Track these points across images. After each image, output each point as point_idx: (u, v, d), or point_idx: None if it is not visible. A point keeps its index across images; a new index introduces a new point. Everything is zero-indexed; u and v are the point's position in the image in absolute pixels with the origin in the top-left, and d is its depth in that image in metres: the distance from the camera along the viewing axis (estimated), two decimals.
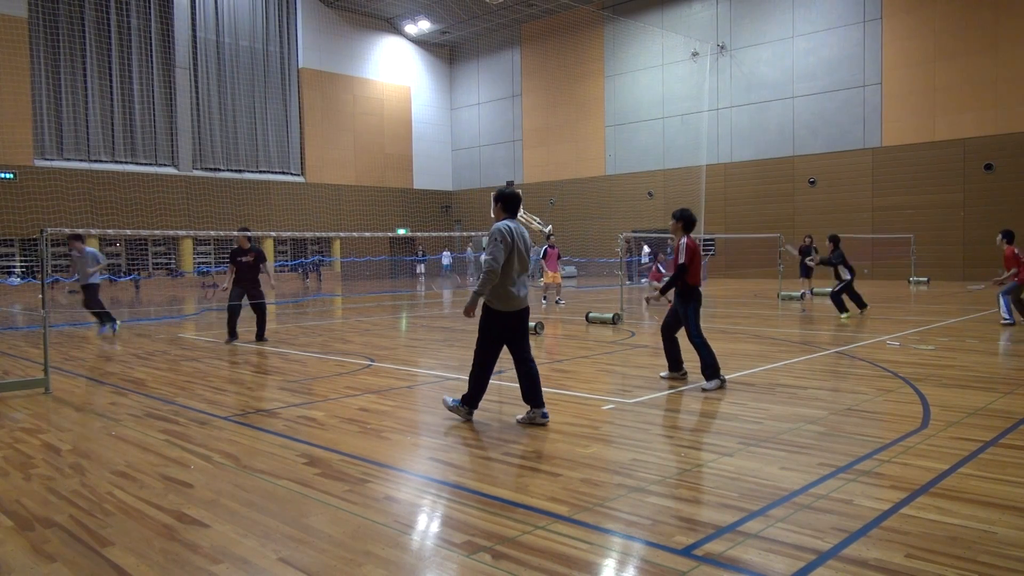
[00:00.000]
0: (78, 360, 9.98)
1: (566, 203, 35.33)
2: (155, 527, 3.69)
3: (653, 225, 30.69)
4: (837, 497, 3.94)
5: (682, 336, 7.56)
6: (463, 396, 5.91)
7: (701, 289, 7.52)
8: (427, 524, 3.76)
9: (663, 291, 7.74)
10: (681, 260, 7.35)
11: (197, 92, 32.84)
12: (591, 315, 13.73)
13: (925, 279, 23.94)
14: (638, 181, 33.79)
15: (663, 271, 18.89)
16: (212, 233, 11.57)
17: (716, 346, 10.17)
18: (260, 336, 11.66)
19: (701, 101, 31.85)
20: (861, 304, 13.81)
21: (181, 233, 12.58)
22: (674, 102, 32.79)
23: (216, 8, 33.35)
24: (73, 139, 29.52)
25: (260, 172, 34.82)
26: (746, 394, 6.79)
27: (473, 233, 14.07)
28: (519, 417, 5.84)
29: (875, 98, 27.05)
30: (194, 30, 32.66)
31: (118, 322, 13.35)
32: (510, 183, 5.25)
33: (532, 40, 38.27)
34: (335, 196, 36.40)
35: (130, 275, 29.89)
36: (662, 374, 7.68)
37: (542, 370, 6.84)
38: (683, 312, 7.40)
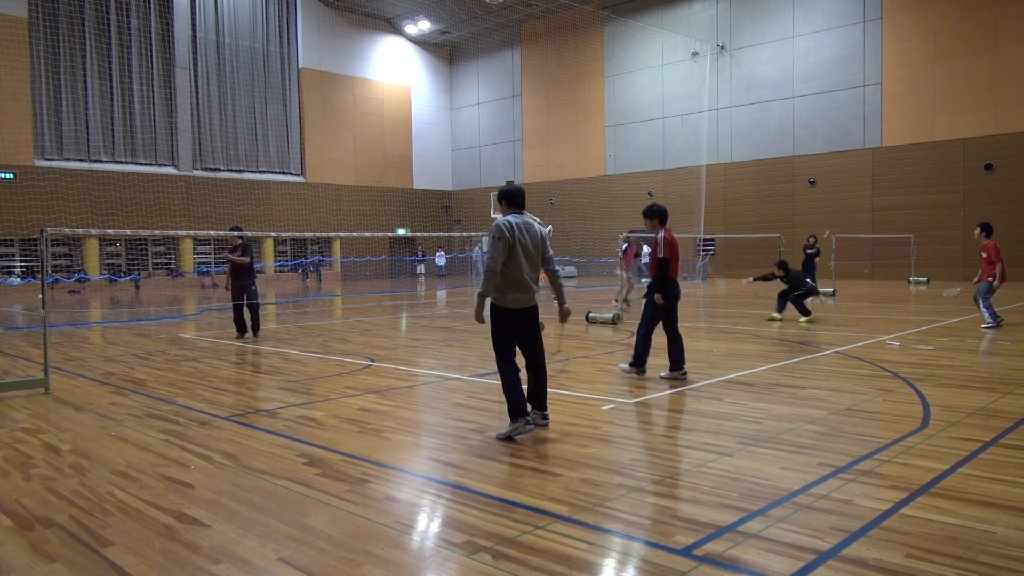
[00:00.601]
0: (78, 360, 9.99)
1: (566, 203, 35.32)
2: (155, 527, 3.69)
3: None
4: (837, 497, 3.94)
5: (682, 337, 7.57)
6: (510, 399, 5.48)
7: (679, 280, 7.55)
8: (427, 524, 3.76)
9: (649, 293, 7.64)
10: (661, 254, 7.32)
11: (197, 92, 32.83)
12: (591, 315, 13.73)
13: (925, 279, 23.92)
14: (638, 181, 33.76)
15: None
16: (212, 233, 11.65)
17: (716, 346, 10.23)
18: (253, 330, 12.35)
19: (701, 101, 31.86)
20: (804, 312, 13.75)
21: (181, 233, 12.63)
22: (674, 102, 32.79)
23: (216, 8, 33.34)
24: (73, 139, 29.51)
25: (260, 172, 34.81)
26: (746, 394, 6.79)
27: (473, 233, 14.06)
28: (662, 374, 6.95)
29: (875, 98, 27.05)
30: (194, 30, 32.66)
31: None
32: (510, 183, 5.21)
33: (532, 40, 38.27)
34: (335, 196, 36.39)
35: (130, 275, 29.90)
36: (662, 374, 7.66)
37: None
38: (646, 303, 7.38)
